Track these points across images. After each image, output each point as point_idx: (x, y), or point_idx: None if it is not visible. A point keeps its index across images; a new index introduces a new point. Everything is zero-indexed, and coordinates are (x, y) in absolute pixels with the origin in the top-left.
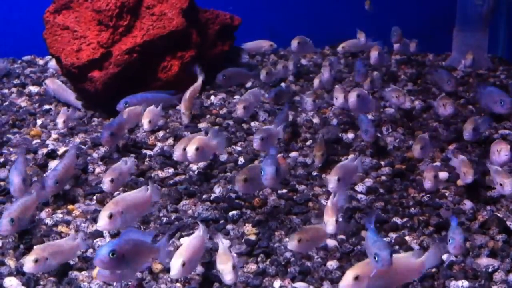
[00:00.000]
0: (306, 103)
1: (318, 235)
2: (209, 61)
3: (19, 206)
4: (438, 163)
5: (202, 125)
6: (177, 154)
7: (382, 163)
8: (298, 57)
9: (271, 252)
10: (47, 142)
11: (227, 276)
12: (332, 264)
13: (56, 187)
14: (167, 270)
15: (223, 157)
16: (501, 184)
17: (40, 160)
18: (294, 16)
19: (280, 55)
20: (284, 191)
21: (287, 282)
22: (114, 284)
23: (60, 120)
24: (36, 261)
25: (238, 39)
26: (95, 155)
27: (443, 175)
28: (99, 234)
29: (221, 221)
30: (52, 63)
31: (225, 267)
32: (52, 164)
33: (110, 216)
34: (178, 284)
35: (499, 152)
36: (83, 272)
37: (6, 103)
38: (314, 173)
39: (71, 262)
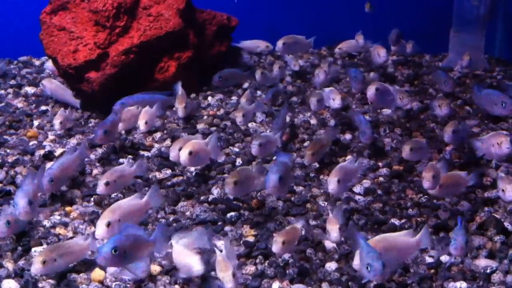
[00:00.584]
0: (311, 103)
1: (297, 234)
2: (206, 62)
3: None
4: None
5: (199, 126)
6: (173, 155)
7: (380, 164)
8: (292, 58)
9: (270, 254)
10: (44, 143)
11: (228, 284)
12: (330, 265)
13: (51, 185)
14: (165, 272)
15: (221, 158)
16: (503, 190)
17: (37, 162)
18: (291, 17)
19: (277, 56)
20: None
21: (286, 283)
22: (113, 286)
23: (57, 122)
24: (44, 262)
25: (236, 40)
26: (92, 156)
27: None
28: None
29: (219, 223)
30: (49, 64)
31: (225, 275)
32: (49, 165)
33: (108, 225)
34: (176, 286)
35: (500, 144)
36: (81, 274)
37: (3, 104)
38: (312, 175)
39: (70, 265)
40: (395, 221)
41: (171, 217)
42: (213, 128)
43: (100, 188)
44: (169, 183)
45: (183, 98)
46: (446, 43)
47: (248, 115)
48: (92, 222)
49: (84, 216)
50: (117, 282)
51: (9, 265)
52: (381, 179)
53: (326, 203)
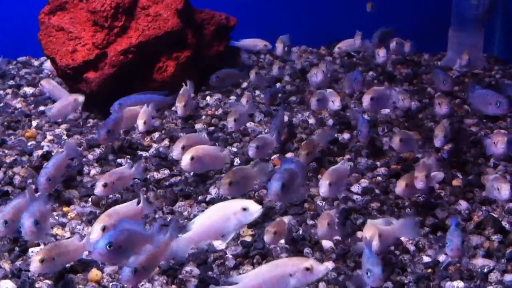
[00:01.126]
0: (311, 103)
1: (285, 227)
2: (205, 62)
3: (13, 208)
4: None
5: (197, 126)
6: (176, 153)
7: (378, 163)
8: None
9: (267, 254)
10: (42, 143)
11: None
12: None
13: (48, 184)
14: (162, 272)
15: None
16: (498, 189)
17: (35, 162)
18: (290, 17)
19: (275, 55)
20: None
21: None
22: (110, 286)
23: (54, 110)
24: (42, 261)
25: (235, 40)
26: (90, 156)
27: (439, 175)
28: None
29: None
30: (47, 64)
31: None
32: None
33: (104, 229)
34: (173, 286)
35: (497, 144)
36: (78, 275)
37: (1, 104)
38: (310, 174)
39: (67, 265)
40: (393, 221)
41: (169, 217)
42: (212, 128)
43: (98, 190)
44: (167, 183)
45: (184, 96)
46: (445, 42)
47: (242, 118)
48: (90, 222)
49: (81, 217)
50: (114, 283)
51: (6, 266)
52: (379, 178)
53: (324, 202)
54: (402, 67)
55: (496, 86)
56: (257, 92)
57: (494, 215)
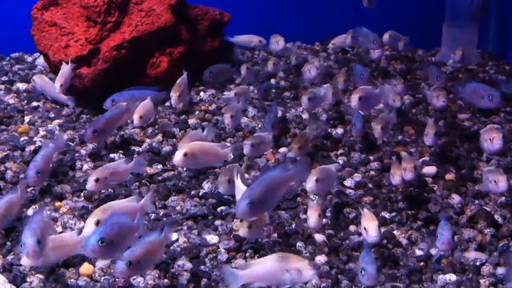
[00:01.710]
0: (302, 101)
1: (263, 219)
2: (199, 57)
3: (5, 204)
4: (426, 158)
5: (191, 121)
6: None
7: (371, 158)
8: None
9: (260, 248)
10: (35, 139)
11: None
12: (320, 259)
13: (38, 177)
14: (154, 266)
15: None
16: (495, 181)
17: (27, 157)
18: (284, 12)
19: (269, 51)
20: None
21: None
22: (102, 280)
23: (57, 84)
24: None
25: (229, 35)
26: (83, 151)
27: (432, 169)
28: None
29: (210, 217)
30: (40, 60)
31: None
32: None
33: (97, 223)
34: (166, 280)
35: (492, 140)
36: (70, 269)
37: None
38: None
39: (61, 259)
40: (386, 215)
41: (162, 212)
42: (205, 123)
43: (90, 185)
44: (160, 178)
45: (179, 87)
46: (439, 38)
47: (238, 115)
48: (82, 217)
49: (74, 211)
50: (106, 277)
51: None
52: (372, 173)
53: (316, 197)
54: (396, 62)
55: (490, 81)
56: (251, 87)
57: (487, 208)
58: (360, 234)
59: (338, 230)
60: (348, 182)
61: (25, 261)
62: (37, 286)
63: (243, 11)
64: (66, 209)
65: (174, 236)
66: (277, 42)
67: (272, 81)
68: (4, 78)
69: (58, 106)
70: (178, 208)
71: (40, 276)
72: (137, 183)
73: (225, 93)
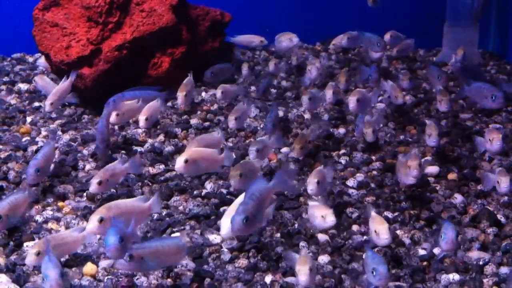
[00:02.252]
0: (302, 101)
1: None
2: (200, 58)
3: (9, 204)
4: (429, 158)
5: (193, 121)
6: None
7: (373, 158)
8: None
9: (262, 247)
10: (37, 139)
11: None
12: (323, 258)
13: (37, 176)
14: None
15: None
16: (498, 182)
17: (29, 158)
18: (285, 12)
19: (271, 51)
20: None
21: (279, 276)
22: (105, 280)
23: (47, 103)
24: (38, 254)
25: (230, 35)
26: (85, 152)
27: (434, 169)
28: None
29: (212, 217)
30: (42, 61)
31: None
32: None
33: (101, 221)
34: (169, 280)
35: (492, 141)
36: (73, 269)
37: None
38: (305, 169)
39: (62, 259)
40: (388, 214)
41: (164, 212)
42: (207, 123)
43: (93, 187)
44: (162, 178)
45: (186, 86)
46: (440, 38)
47: (242, 117)
48: (85, 217)
49: (76, 211)
50: (109, 276)
51: (1, 260)
52: (374, 172)
53: (318, 197)
54: (397, 62)
55: (491, 81)
56: (253, 88)
57: (490, 208)
58: (363, 234)
59: (341, 230)
60: (351, 182)
61: (29, 261)
62: (41, 286)
63: (244, 11)
64: (69, 209)
65: (177, 236)
66: (291, 40)
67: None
68: (6, 78)
69: (59, 107)
70: (180, 208)
71: None
72: (139, 183)
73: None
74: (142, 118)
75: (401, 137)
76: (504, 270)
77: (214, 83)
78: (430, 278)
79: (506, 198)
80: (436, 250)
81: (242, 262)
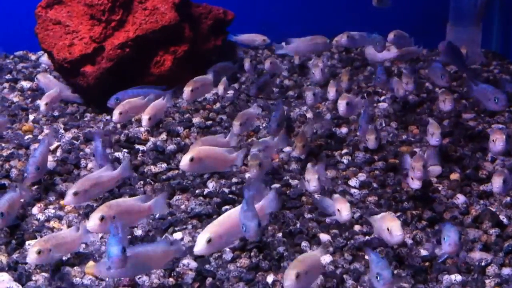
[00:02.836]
0: (306, 96)
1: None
2: (202, 56)
3: (8, 201)
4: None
5: (195, 120)
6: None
7: (376, 157)
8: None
9: (264, 247)
10: (40, 137)
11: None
12: (325, 258)
13: (37, 173)
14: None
15: None
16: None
17: None
18: (288, 11)
19: (273, 50)
20: (278, 185)
21: (280, 276)
22: (107, 280)
23: (42, 103)
24: (39, 252)
25: (232, 34)
26: (87, 150)
27: (437, 169)
28: None
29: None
30: (44, 58)
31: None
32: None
33: (102, 219)
34: (171, 279)
35: (495, 142)
36: (75, 268)
37: None
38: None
39: (64, 258)
40: (390, 214)
41: (166, 210)
42: (209, 122)
43: (68, 198)
44: (164, 176)
45: (195, 82)
46: (443, 37)
47: (247, 123)
48: (87, 215)
49: (78, 210)
50: None
51: (3, 259)
52: (376, 172)
53: (320, 196)
54: (400, 62)
55: (495, 81)
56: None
57: (492, 209)
58: (365, 234)
59: (342, 230)
60: (353, 182)
61: (30, 259)
62: (42, 285)
63: (247, 9)
64: (71, 208)
65: (179, 235)
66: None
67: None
68: (8, 76)
69: (62, 105)
70: (182, 207)
71: (45, 274)
72: (141, 182)
73: (229, 92)
74: (145, 118)
75: (404, 136)
76: (506, 271)
77: (216, 81)
78: (432, 278)
79: (508, 198)
80: (438, 251)
81: (244, 261)
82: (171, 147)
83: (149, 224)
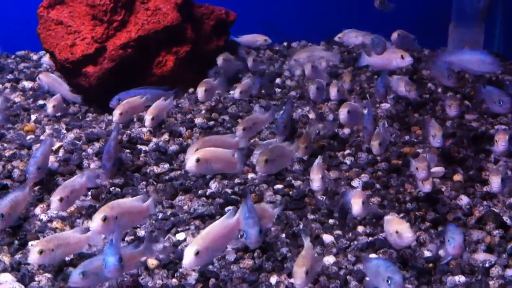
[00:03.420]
0: (310, 90)
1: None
2: (204, 56)
3: (10, 202)
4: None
5: (197, 120)
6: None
7: (379, 158)
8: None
9: (267, 248)
10: (42, 137)
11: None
12: (328, 259)
13: (38, 173)
14: (162, 266)
15: None
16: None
17: None
18: (290, 12)
19: (275, 51)
20: (280, 186)
21: (284, 277)
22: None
23: (50, 105)
24: (41, 252)
25: (234, 35)
26: (89, 150)
27: (439, 170)
28: None
29: (217, 217)
30: (46, 59)
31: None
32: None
33: (104, 219)
34: (174, 280)
35: (497, 142)
36: None
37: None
38: (310, 169)
39: (66, 258)
40: (394, 215)
41: (169, 211)
42: (211, 122)
43: (55, 205)
44: (166, 177)
45: (207, 83)
46: (445, 38)
47: (253, 128)
48: (90, 216)
49: (81, 210)
50: None
51: (6, 259)
52: (379, 173)
53: (324, 197)
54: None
55: (497, 82)
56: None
57: (495, 210)
58: (368, 235)
59: (346, 231)
60: (356, 183)
61: (32, 259)
62: (45, 285)
63: (249, 10)
64: (74, 208)
65: (181, 235)
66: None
67: (278, 80)
68: (10, 76)
69: (64, 105)
70: (185, 207)
71: (48, 275)
72: (144, 182)
73: (231, 92)
74: (148, 118)
75: (407, 137)
76: (510, 272)
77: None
78: (436, 280)
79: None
80: (442, 252)
81: (247, 262)
82: (173, 147)
83: (152, 225)
